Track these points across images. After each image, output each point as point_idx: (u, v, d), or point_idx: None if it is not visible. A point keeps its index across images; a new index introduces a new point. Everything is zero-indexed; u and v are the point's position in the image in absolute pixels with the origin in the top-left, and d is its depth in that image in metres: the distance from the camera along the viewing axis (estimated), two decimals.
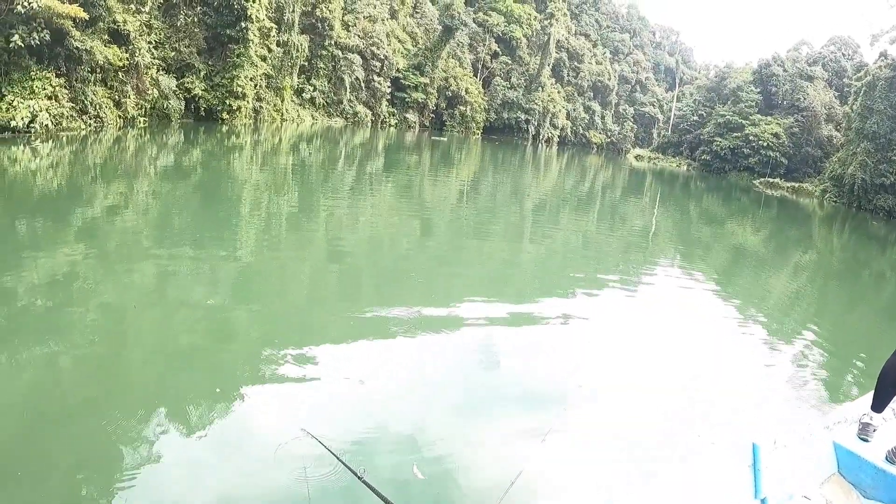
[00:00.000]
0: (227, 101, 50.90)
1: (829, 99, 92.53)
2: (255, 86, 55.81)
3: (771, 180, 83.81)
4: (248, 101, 53.79)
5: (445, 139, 79.05)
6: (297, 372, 8.06)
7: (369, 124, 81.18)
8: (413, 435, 7.09)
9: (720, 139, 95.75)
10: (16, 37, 29.90)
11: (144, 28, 43.03)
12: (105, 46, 36.37)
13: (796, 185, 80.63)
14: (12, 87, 30.58)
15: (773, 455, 4.85)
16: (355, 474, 4.98)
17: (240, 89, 51.48)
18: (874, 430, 5.39)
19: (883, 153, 64.29)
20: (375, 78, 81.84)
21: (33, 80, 31.41)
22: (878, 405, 5.44)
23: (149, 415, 6.91)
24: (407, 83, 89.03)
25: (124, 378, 7.93)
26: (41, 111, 30.66)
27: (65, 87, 33.63)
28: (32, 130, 30.42)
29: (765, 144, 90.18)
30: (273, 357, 8.45)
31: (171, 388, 7.60)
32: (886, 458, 5.13)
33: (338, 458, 5.42)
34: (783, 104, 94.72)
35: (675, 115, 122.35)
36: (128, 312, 9.98)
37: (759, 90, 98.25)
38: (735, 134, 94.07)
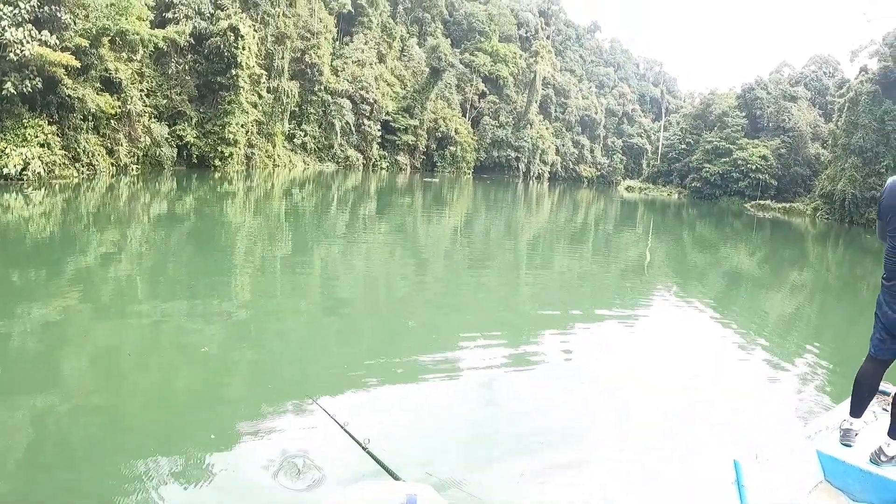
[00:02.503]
0: (219, 148, 50.77)
1: (814, 117, 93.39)
2: (247, 132, 55.79)
3: (762, 202, 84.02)
4: (239, 148, 53.69)
5: (437, 180, 79.08)
6: (293, 420, 7.68)
7: (361, 168, 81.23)
8: (421, 482, 6.71)
9: (709, 165, 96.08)
10: (8, 84, 29.77)
11: (136, 76, 43.04)
12: (97, 94, 36.25)
13: (787, 205, 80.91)
14: (5, 135, 30.36)
15: (756, 470, 4.79)
16: (360, 444, 4.94)
17: (231, 136, 51.43)
18: (856, 435, 5.41)
19: (871, 166, 64.72)
20: (365, 121, 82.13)
21: (26, 127, 31.21)
22: (857, 410, 5.48)
23: (146, 463, 6.58)
24: (397, 126, 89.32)
25: (121, 427, 7.64)
26: (34, 158, 30.38)
27: (57, 135, 33.41)
28: (25, 178, 30.10)
29: (753, 167, 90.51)
30: (268, 405, 8.07)
31: (168, 436, 7.29)
32: (871, 460, 5.12)
33: (342, 428, 5.31)
34: (769, 126, 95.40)
35: (662, 144, 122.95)
36: (123, 361, 9.66)
37: (744, 114, 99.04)
38: (723, 159, 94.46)
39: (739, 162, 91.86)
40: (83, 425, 7.55)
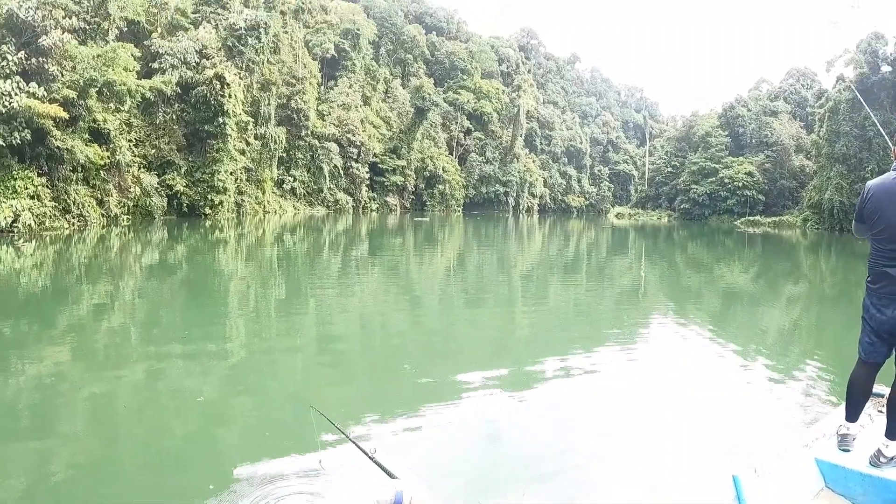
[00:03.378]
0: (209, 196, 50.61)
1: (796, 130, 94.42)
2: (236, 179, 55.71)
3: (751, 219, 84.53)
4: (229, 195, 53.53)
5: (427, 219, 78.94)
6: (290, 468, 7.37)
7: (351, 211, 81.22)
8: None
9: (696, 186, 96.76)
10: None
11: (124, 126, 42.99)
12: (86, 145, 36.12)
13: (777, 219, 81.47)
14: None
15: (756, 484, 4.79)
16: (366, 454, 4.89)
17: (221, 184, 51.31)
18: (853, 439, 5.39)
19: (856, 173, 65.31)
20: (353, 164, 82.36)
21: (15, 179, 31.01)
22: (852, 415, 5.47)
23: None
24: (385, 167, 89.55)
25: (117, 480, 7.28)
26: (24, 210, 30.13)
27: (47, 187, 33.22)
28: (15, 230, 29.82)
29: (740, 185, 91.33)
30: (267, 452, 7.76)
31: (166, 488, 6.96)
32: (870, 463, 5.09)
33: (347, 437, 5.32)
34: (752, 143, 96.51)
35: (649, 169, 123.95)
36: (118, 413, 9.30)
37: (726, 133, 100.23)
38: (710, 179, 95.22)
39: (726, 180, 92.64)
40: (78, 479, 7.21)
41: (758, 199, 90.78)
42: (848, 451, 5.30)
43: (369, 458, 4.95)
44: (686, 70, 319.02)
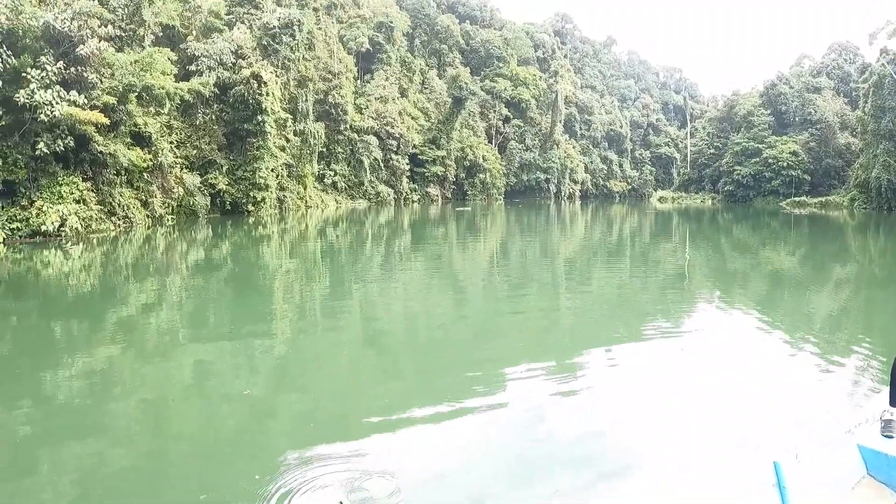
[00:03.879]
0: (251, 194, 51.33)
1: (840, 106, 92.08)
2: (277, 176, 56.36)
3: (797, 199, 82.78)
4: (271, 192, 54.20)
5: (469, 208, 78.85)
6: (337, 462, 7.51)
7: (392, 203, 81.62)
8: None
9: (739, 167, 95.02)
10: (41, 144, 30.51)
11: (165, 129, 43.88)
12: (128, 149, 36.95)
13: (823, 199, 79.64)
14: (41, 193, 31.10)
15: (797, 470, 4.70)
16: None
17: (262, 181, 51.97)
18: None
19: None
20: (393, 156, 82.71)
21: (61, 185, 31.92)
22: None
23: None
24: (424, 158, 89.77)
25: (166, 471, 7.57)
26: (70, 215, 31.02)
27: (92, 191, 34.13)
28: (63, 234, 30.78)
29: (785, 165, 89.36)
30: (311, 446, 7.92)
31: (212, 479, 7.18)
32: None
33: None
34: (795, 121, 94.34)
35: (691, 151, 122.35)
36: (167, 406, 9.66)
37: (769, 111, 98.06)
38: (753, 159, 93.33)
39: (770, 160, 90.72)
40: (129, 471, 7.51)
41: (803, 179, 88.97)
42: (891, 437, 5.13)
43: None
44: (725, 48, 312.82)
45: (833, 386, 10.38)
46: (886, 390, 5.48)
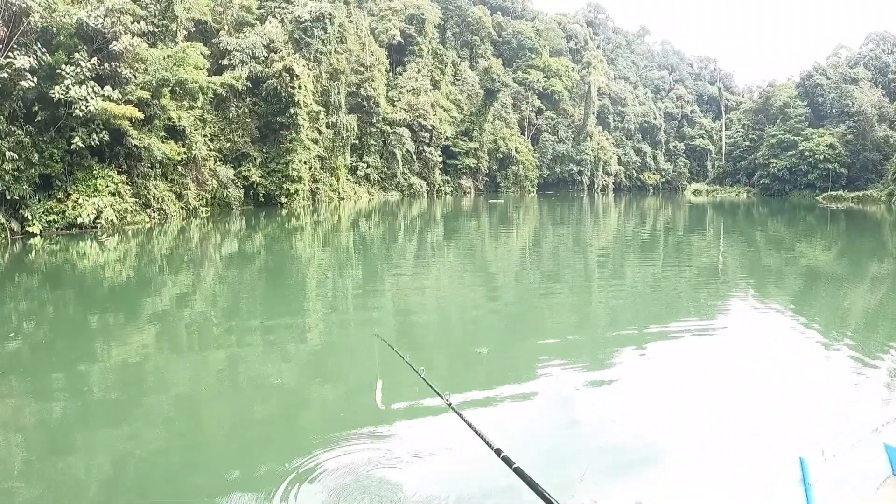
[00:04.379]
0: (284, 186, 51.72)
1: (878, 98, 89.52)
2: (310, 168, 56.74)
3: (834, 194, 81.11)
4: (304, 184, 54.56)
5: (502, 200, 78.73)
6: (369, 453, 7.56)
7: (425, 194, 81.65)
8: None
9: (775, 160, 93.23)
10: (76, 138, 31.02)
11: (199, 122, 44.36)
12: (162, 142, 37.39)
13: (861, 193, 77.96)
14: (77, 186, 31.66)
15: (823, 467, 4.88)
16: (440, 395, 4.84)
17: (295, 173, 52.32)
18: None
19: None
20: (426, 148, 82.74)
21: (96, 178, 32.44)
22: None
23: (224, 493, 6.60)
24: (457, 150, 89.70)
25: (199, 456, 7.71)
26: (106, 207, 31.55)
27: (127, 184, 34.62)
28: (99, 226, 31.34)
29: (821, 158, 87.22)
30: (342, 435, 7.96)
31: (244, 466, 7.25)
32: None
33: (402, 357, 5.48)
34: (832, 113, 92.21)
35: (725, 143, 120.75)
36: (199, 393, 9.87)
37: (805, 103, 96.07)
38: (789, 152, 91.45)
39: (806, 153, 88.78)
40: (162, 456, 7.64)
41: (840, 173, 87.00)
42: None
43: (421, 377, 5.07)
44: (760, 37, 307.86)
45: (864, 385, 10.21)
46: None
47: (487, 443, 3.71)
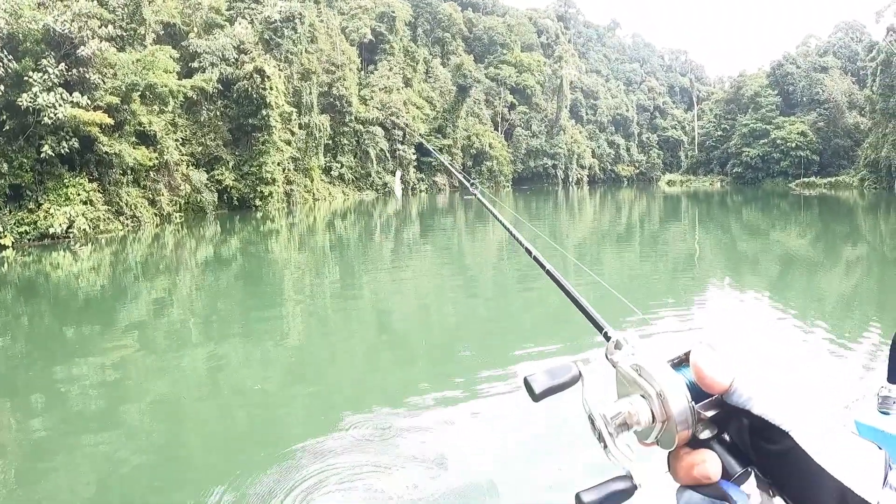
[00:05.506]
0: (258, 188, 51.33)
1: (847, 86, 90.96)
2: (284, 170, 56.36)
3: (806, 180, 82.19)
4: (278, 186, 54.18)
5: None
6: (353, 453, 7.48)
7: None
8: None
9: (748, 149, 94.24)
10: (46, 147, 30.64)
11: (170, 126, 43.87)
12: (133, 148, 36.97)
13: (833, 179, 79.15)
14: (48, 195, 31.26)
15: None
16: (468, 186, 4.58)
17: (269, 175, 51.93)
18: (894, 402, 5.14)
19: None
20: (399, 146, 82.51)
21: (67, 186, 32.02)
22: (894, 376, 5.20)
23: (206, 499, 6.50)
24: (431, 147, 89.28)
25: (182, 466, 7.70)
26: (78, 216, 31.17)
27: (99, 191, 34.22)
28: (71, 235, 30.94)
29: (793, 145, 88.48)
30: (325, 438, 7.91)
31: (226, 471, 7.20)
32: (879, 410, 5.00)
33: (502, 223, 4.92)
34: (803, 101, 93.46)
35: (698, 133, 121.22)
36: (180, 403, 9.77)
37: (776, 92, 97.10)
38: (762, 141, 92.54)
39: (778, 141, 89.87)
40: (144, 465, 7.57)
41: (812, 160, 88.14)
42: (888, 413, 5.14)
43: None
44: (730, 28, 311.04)
45: (839, 364, 10.40)
46: (885, 366, 5.43)
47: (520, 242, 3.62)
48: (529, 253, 3.82)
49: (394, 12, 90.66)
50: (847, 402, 5.49)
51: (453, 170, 3.70)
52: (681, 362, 0.95)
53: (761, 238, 31.98)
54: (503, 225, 3.65)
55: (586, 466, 7.08)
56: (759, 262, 24.00)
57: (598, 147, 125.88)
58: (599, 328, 2.51)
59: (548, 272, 3.37)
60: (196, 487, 6.96)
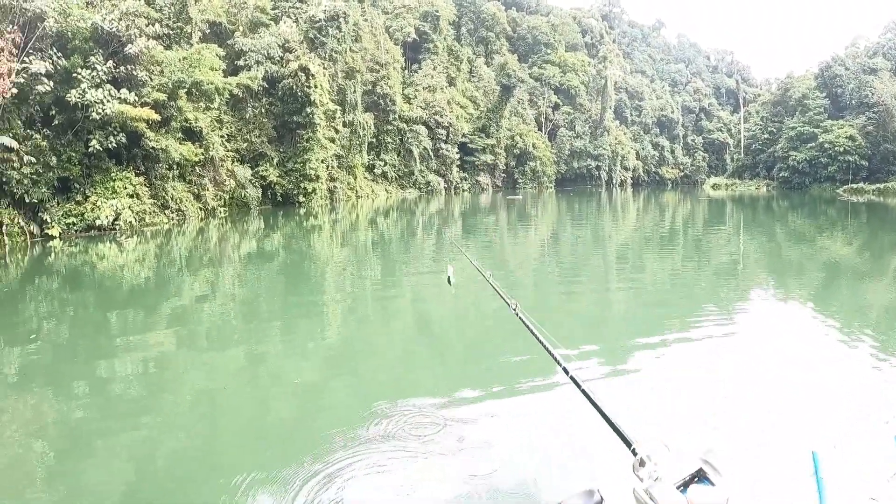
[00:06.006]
0: (302, 185, 51.81)
1: None
2: (327, 167, 56.77)
3: (854, 186, 79.90)
4: (321, 183, 54.61)
5: (520, 196, 78.38)
6: (389, 446, 7.45)
7: (442, 192, 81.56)
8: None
9: (795, 153, 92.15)
10: (94, 141, 31.23)
11: (215, 123, 44.48)
12: (180, 144, 37.51)
13: (882, 186, 76.71)
14: (95, 188, 31.86)
15: (835, 460, 4.83)
16: (508, 303, 4.87)
17: (312, 172, 52.38)
18: None
19: None
20: (443, 145, 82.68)
21: (114, 180, 32.63)
22: None
23: (245, 490, 6.54)
24: (474, 146, 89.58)
25: (219, 455, 7.66)
26: (124, 209, 31.76)
27: (145, 185, 34.79)
28: (117, 227, 31.55)
29: (841, 150, 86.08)
30: (364, 433, 7.88)
31: (263, 464, 7.19)
32: None
33: (492, 286, 5.08)
34: (852, 104, 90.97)
35: (744, 136, 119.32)
36: (220, 393, 9.78)
37: (824, 94, 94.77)
38: (809, 144, 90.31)
39: (826, 145, 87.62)
40: (181, 450, 7.65)
41: (860, 165, 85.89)
42: None
43: (519, 316, 4.87)
44: (778, 28, 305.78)
45: (882, 379, 10.04)
46: None
47: (556, 359, 3.69)
48: (566, 372, 3.83)
49: (437, 11, 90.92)
50: (888, 417, 5.23)
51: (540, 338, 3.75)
52: (690, 481, 1.01)
53: (806, 245, 31.23)
54: (540, 342, 3.72)
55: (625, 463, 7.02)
56: (803, 269, 23.43)
57: (643, 149, 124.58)
58: (628, 444, 2.55)
59: (583, 391, 3.40)
60: (231, 474, 6.90)
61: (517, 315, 4.50)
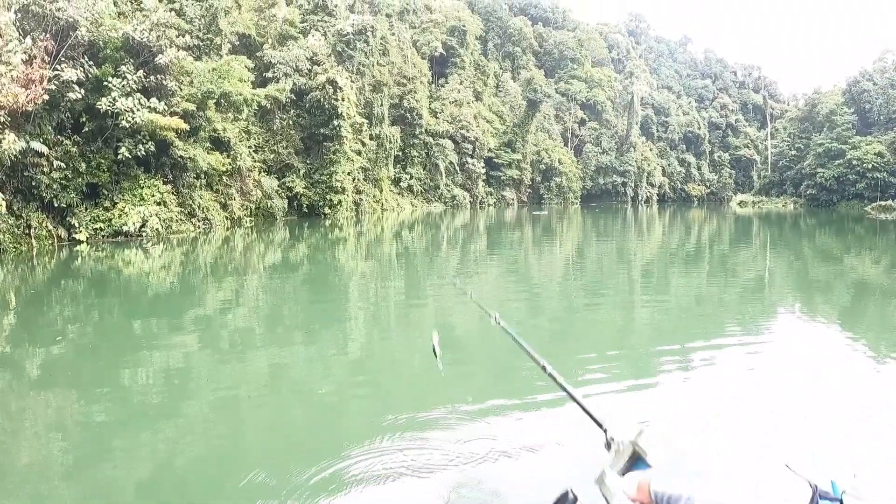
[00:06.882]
0: (328, 197, 51.99)
1: None
2: (353, 179, 57.01)
3: (883, 204, 78.16)
4: (347, 195, 54.80)
5: (545, 212, 78.02)
6: (415, 461, 7.38)
7: (468, 206, 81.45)
8: None
9: (822, 170, 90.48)
10: (123, 149, 31.59)
11: (243, 134, 44.80)
12: (207, 153, 37.80)
13: None
14: (123, 195, 32.19)
15: (855, 487, 4.29)
16: (537, 362, 4.40)
17: (338, 184, 52.59)
18: None
19: None
20: (468, 160, 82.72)
21: (142, 187, 32.93)
22: None
23: (263, 494, 6.48)
24: (500, 161, 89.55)
25: (240, 464, 7.52)
26: (151, 216, 32.02)
27: (172, 193, 35.08)
28: (144, 234, 31.79)
29: (870, 167, 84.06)
30: (387, 446, 7.82)
31: (285, 473, 7.12)
32: None
33: (521, 345, 4.96)
34: (880, 120, 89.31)
35: (771, 153, 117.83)
36: (241, 400, 9.73)
37: (852, 110, 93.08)
38: (837, 161, 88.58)
39: (854, 162, 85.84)
40: (200, 456, 7.64)
41: (889, 182, 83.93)
42: None
43: (551, 375, 4.86)
44: (805, 43, 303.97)
45: None
46: None
47: (537, 360, 3.58)
48: (544, 369, 3.79)
49: (465, 26, 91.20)
50: None
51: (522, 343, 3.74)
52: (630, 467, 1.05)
53: (833, 263, 30.85)
54: (522, 347, 3.66)
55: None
56: (830, 288, 22.95)
57: (669, 165, 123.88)
58: (601, 426, 2.52)
59: (560, 384, 3.37)
60: (250, 478, 6.87)
61: (499, 325, 4.40)
